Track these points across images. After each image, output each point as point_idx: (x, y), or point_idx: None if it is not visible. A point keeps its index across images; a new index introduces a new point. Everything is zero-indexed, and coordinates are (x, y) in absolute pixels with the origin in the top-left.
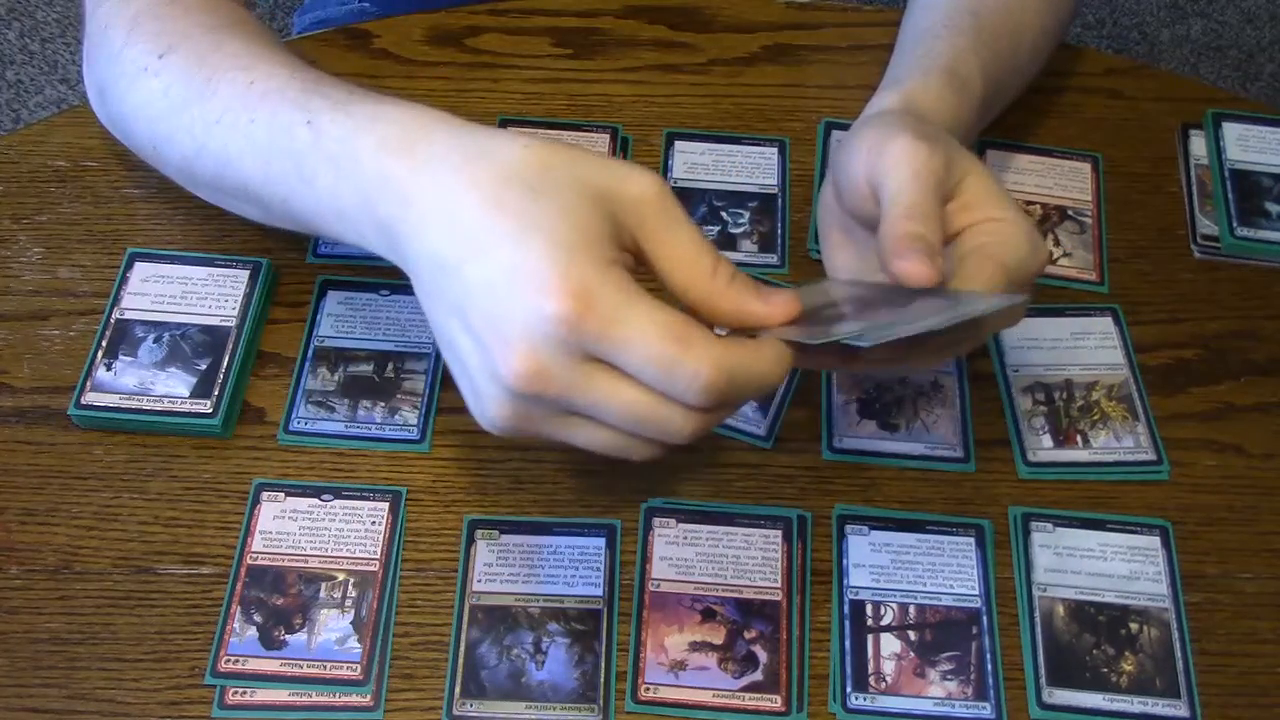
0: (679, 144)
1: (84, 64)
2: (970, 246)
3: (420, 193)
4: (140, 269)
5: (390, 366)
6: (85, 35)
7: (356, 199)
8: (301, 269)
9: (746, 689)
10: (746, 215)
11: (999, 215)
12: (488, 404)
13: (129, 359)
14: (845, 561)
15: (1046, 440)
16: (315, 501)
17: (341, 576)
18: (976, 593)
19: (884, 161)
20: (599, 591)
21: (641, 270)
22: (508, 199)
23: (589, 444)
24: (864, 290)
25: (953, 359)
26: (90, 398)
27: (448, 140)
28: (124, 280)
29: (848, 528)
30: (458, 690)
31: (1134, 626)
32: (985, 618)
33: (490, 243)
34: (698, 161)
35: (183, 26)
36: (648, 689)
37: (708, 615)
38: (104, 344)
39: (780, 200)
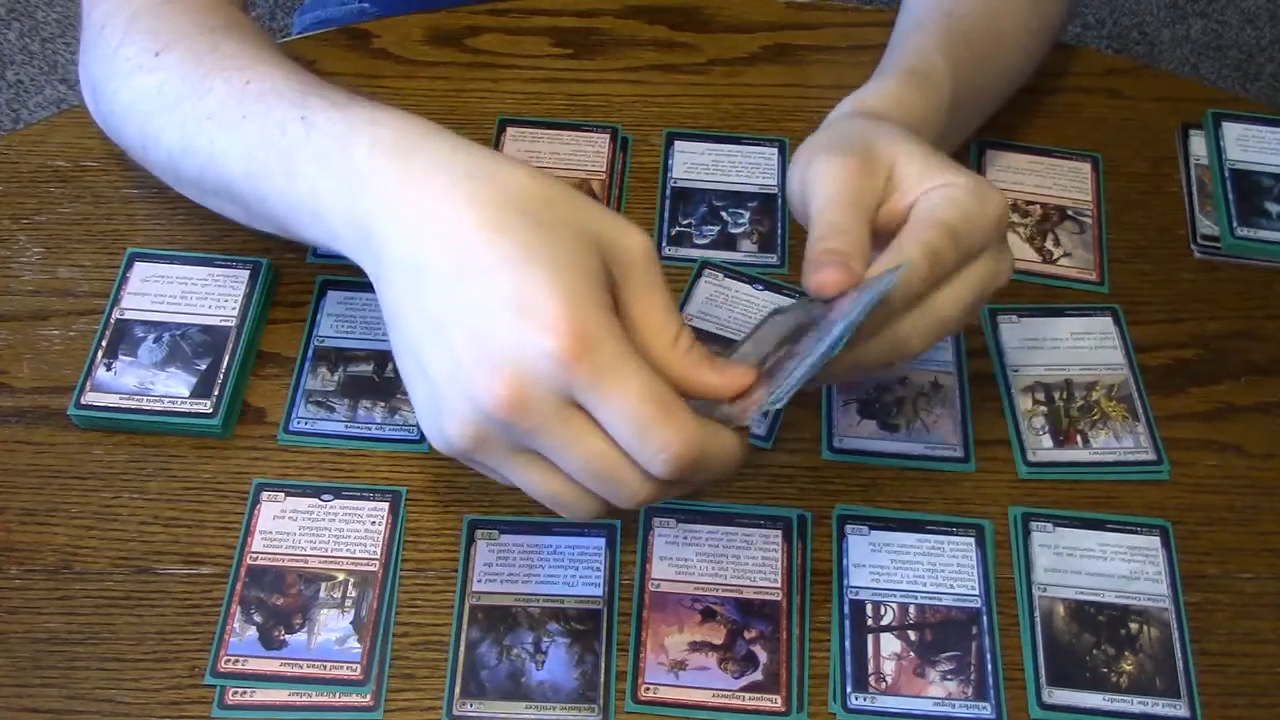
0: (679, 144)
1: (80, 63)
2: (909, 217)
3: (413, 200)
4: (140, 269)
5: (390, 366)
6: (81, 35)
7: (338, 195)
8: (301, 269)
9: (746, 689)
10: (746, 215)
11: (938, 182)
12: (448, 420)
13: (129, 359)
14: (845, 561)
15: (1046, 440)
16: (315, 501)
17: (341, 576)
18: (976, 593)
19: (809, 182)
20: (599, 591)
21: None
22: (508, 225)
23: (533, 486)
24: (800, 315)
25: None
26: (90, 398)
27: (449, 154)
28: (124, 280)
29: (848, 528)
30: (458, 690)
31: (1134, 626)
32: (985, 618)
33: (489, 265)
34: (697, 161)
35: (180, 26)
36: (648, 689)
37: (708, 615)
38: (104, 344)
39: (780, 200)
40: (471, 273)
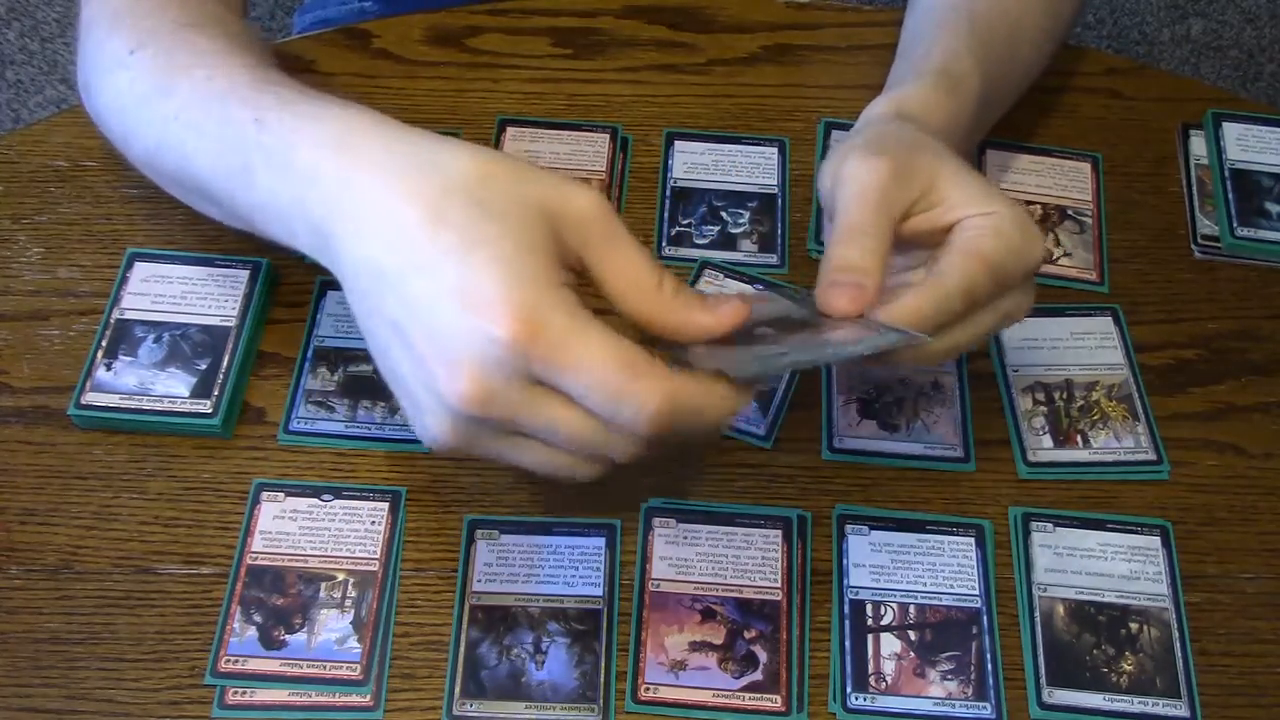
0: (679, 144)
1: (77, 60)
2: (952, 242)
3: (357, 198)
4: (140, 269)
5: None
6: (77, 32)
7: (290, 196)
8: (301, 269)
9: (746, 689)
10: (746, 215)
11: (984, 209)
12: (429, 420)
13: (129, 359)
14: (845, 561)
15: (1046, 440)
16: (315, 501)
17: (341, 576)
18: (976, 593)
19: (839, 181)
20: (599, 591)
21: (585, 285)
22: (450, 214)
23: (533, 464)
24: (794, 308)
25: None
26: (90, 398)
27: (388, 146)
28: (124, 280)
29: (848, 528)
30: (458, 690)
31: (1134, 626)
32: (985, 618)
33: (433, 259)
34: (698, 161)
35: (154, 24)
36: (648, 689)
37: (708, 615)
38: (104, 344)
39: (780, 200)
40: (418, 270)
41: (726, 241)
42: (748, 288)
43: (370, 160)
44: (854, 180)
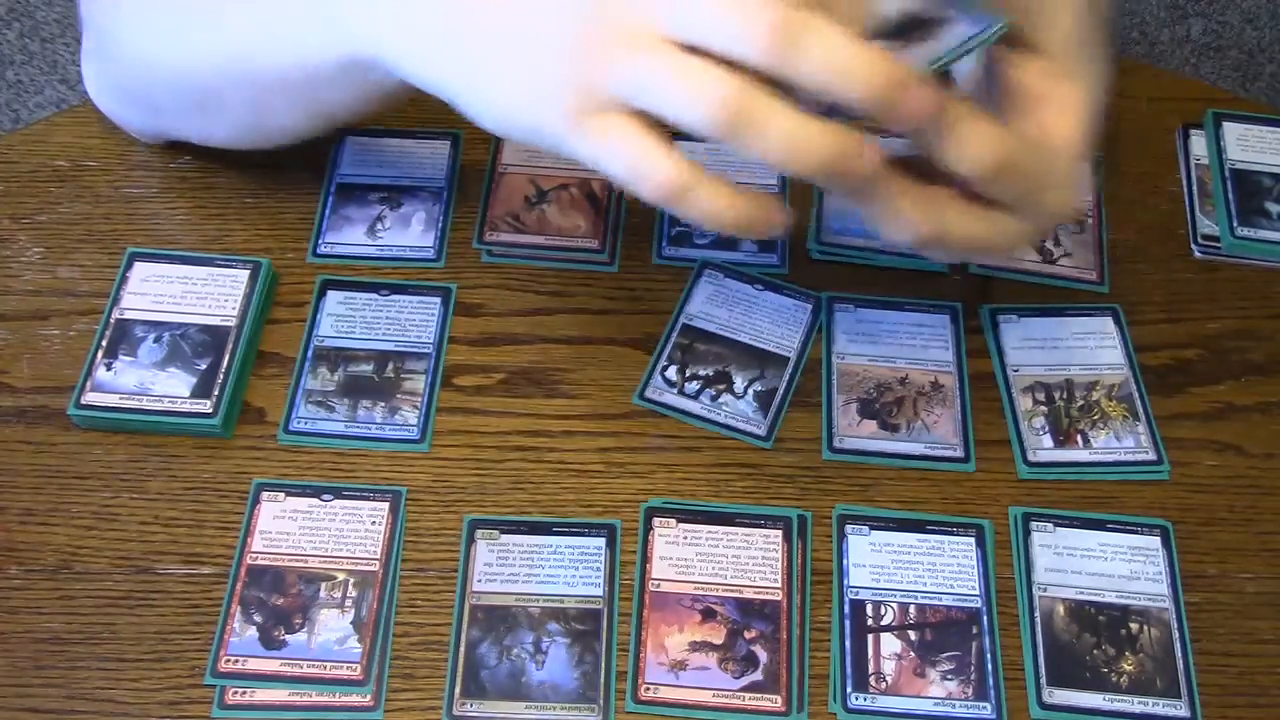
0: (677, 143)
1: (83, 40)
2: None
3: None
4: (140, 269)
5: (390, 366)
6: (83, 13)
7: None
8: (301, 269)
9: (746, 689)
10: None
11: (1057, 89)
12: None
13: (129, 359)
14: (845, 561)
15: (1047, 440)
16: (315, 501)
17: (341, 576)
18: (977, 593)
19: None
20: (599, 591)
21: None
22: None
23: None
24: None
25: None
26: (90, 398)
27: None
28: (124, 280)
29: (848, 528)
30: (458, 690)
31: (1134, 626)
32: (985, 618)
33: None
34: (697, 161)
35: None
36: (648, 689)
37: (708, 615)
38: (104, 344)
39: (780, 200)
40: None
41: (726, 241)
42: (747, 288)
43: None
44: None
